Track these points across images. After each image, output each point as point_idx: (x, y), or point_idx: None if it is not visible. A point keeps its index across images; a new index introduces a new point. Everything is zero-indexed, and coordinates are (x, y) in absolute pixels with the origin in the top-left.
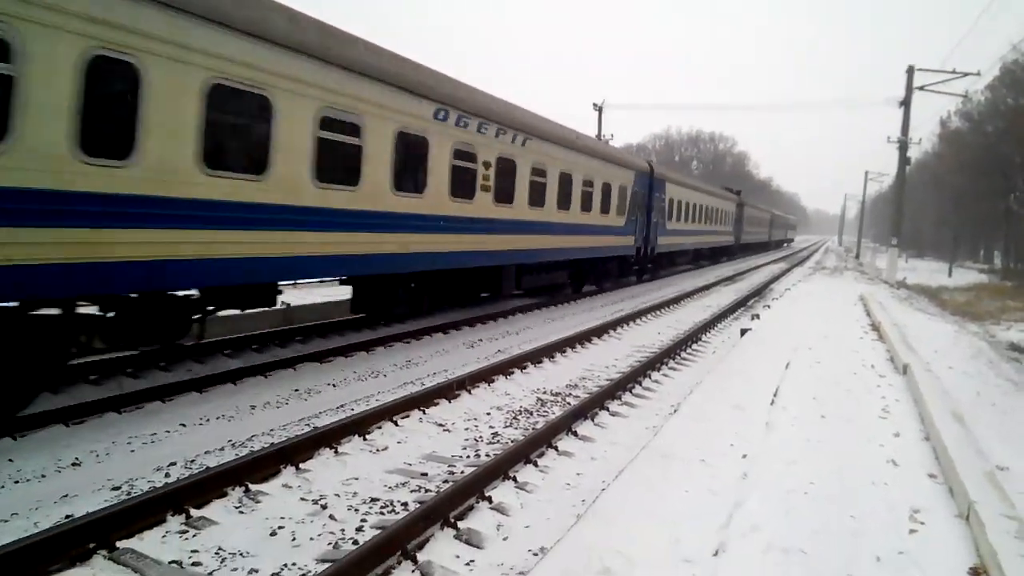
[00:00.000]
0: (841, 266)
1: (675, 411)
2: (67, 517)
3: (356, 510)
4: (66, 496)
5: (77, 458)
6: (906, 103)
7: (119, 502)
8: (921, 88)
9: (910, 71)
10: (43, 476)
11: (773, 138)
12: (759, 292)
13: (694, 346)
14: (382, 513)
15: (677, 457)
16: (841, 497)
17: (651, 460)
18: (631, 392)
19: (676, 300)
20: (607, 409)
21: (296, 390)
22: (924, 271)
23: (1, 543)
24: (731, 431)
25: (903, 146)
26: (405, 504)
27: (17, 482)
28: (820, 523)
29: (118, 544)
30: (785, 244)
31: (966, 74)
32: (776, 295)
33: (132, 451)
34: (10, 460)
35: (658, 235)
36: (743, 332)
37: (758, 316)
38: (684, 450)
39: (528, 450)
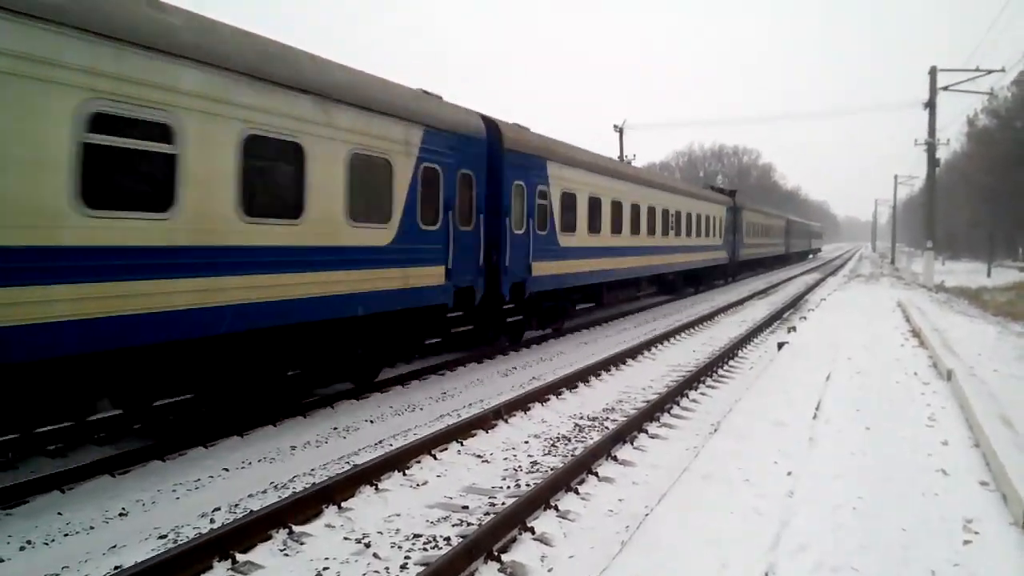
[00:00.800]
0: (876, 272)
1: (715, 430)
2: (116, 568)
3: (399, 547)
4: (114, 547)
5: (124, 508)
6: (931, 104)
7: (166, 551)
8: (945, 88)
9: (933, 72)
10: (91, 528)
11: (798, 147)
12: (794, 304)
13: (731, 362)
14: (425, 549)
15: (720, 478)
16: (891, 510)
17: (693, 482)
18: (669, 413)
19: (710, 316)
20: (646, 432)
21: (335, 428)
22: (962, 273)
23: None
24: (774, 448)
25: (931, 148)
26: (448, 539)
27: (67, 535)
28: (870, 538)
29: None
30: (810, 256)
31: (990, 71)
32: (812, 306)
33: (177, 498)
34: (59, 513)
35: (532, 258)
36: (780, 346)
37: (795, 328)
38: (727, 470)
39: (568, 478)
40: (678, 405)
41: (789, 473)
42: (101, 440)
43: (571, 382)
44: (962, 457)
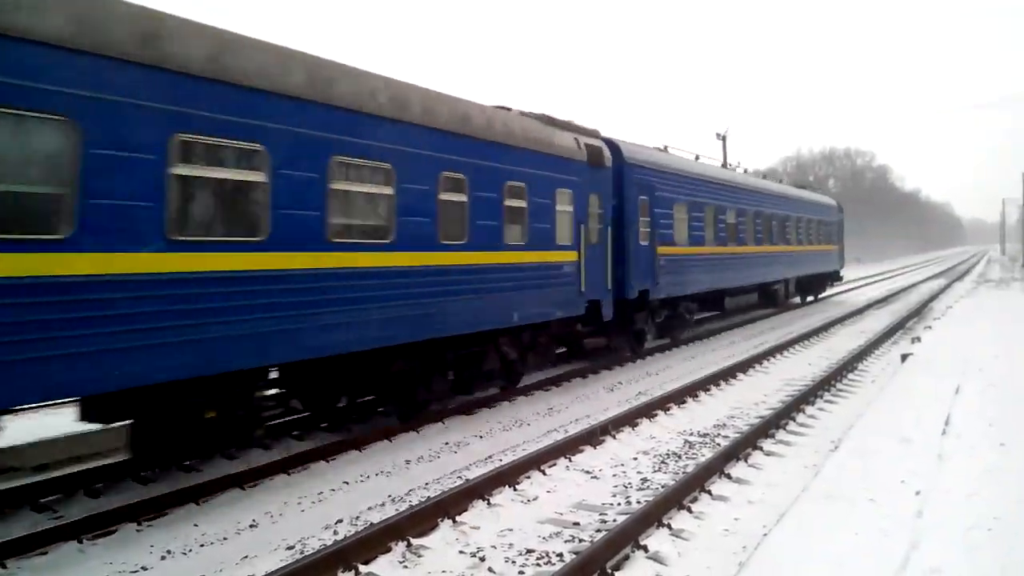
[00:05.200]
0: (1007, 277)
1: (836, 447)
2: None
3: (513, 562)
4: (246, 557)
5: (254, 520)
6: None
7: (294, 561)
8: None
9: None
10: (224, 538)
11: (919, 147)
12: (917, 312)
13: (850, 375)
14: (539, 565)
15: (842, 497)
16: None
17: (814, 501)
18: (785, 429)
19: (826, 327)
20: (761, 448)
21: (446, 443)
22: None
23: None
24: (900, 466)
25: None
26: (560, 555)
27: (203, 545)
28: (1007, 561)
29: None
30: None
31: None
32: (937, 314)
33: (302, 511)
34: (195, 525)
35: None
36: (904, 357)
37: (919, 339)
38: (849, 489)
39: (680, 495)
40: (794, 421)
41: (918, 492)
42: (231, 456)
43: (679, 397)
44: None
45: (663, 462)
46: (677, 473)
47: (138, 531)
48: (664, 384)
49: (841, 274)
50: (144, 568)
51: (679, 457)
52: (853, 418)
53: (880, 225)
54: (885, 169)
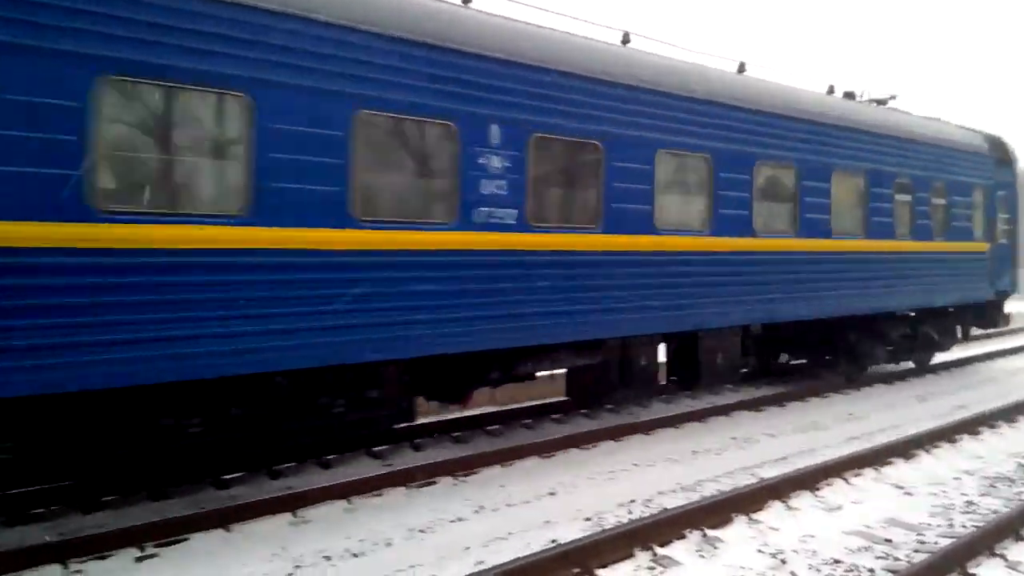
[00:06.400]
0: None
1: None
2: (552, 541)
3: (818, 570)
4: (548, 522)
5: (552, 488)
6: None
7: (594, 533)
8: None
9: None
10: (527, 502)
11: None
12: None
13: None
14: None
15: None
16: None
17: None
18: None
19: None
20: None
21: (733, 438)
22: None
23: (504, 559)
24: None
25: None
26: (871, 571)
27: (509, 505)
28: None
29: (597, 572)
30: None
31: None
32: None
33: (596, 485)
34: (501, 486)
35: None
36: None
37: None
38: None
39: (1017, 524)
40: None
41: None
42: (529, 426)
43: (1010, 415)
44: None
45: (992, 485)
46: (1011, 499)
47: (454, 485)
48: (988, 399)
49: (1007, 310)
50: (460, 519)
51: (1012, 481)
52: None
53: None
54: None
